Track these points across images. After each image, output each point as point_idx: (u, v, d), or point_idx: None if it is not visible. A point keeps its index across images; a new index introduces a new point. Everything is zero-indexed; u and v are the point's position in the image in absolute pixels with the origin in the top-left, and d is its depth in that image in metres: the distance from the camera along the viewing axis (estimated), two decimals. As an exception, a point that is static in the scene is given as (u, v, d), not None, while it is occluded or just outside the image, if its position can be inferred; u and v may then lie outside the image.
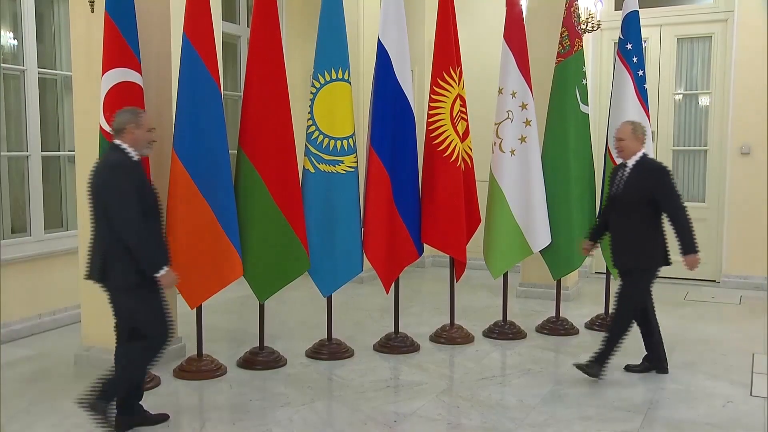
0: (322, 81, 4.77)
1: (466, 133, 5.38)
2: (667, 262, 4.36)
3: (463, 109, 5.28)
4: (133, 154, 3.50)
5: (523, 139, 5.34)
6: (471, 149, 5.45)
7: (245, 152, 4.57)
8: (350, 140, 4.82)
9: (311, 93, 4.78)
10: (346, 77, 4.80)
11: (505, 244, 5.39)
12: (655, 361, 4.58)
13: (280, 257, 4.62)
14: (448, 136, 5.13)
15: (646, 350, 4.60)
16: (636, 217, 4.22)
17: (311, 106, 4.80)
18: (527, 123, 5.35)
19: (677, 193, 4.21)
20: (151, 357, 3.53)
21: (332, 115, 4.74)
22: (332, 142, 4.76)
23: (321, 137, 4.76)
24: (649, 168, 4.26)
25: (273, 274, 4.62)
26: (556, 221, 5.38)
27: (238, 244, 4.47)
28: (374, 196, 4.93)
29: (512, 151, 5.35)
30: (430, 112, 5.18)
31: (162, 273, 3.42)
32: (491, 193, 5.46)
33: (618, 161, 4.50)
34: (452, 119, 5.15)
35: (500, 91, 5.39)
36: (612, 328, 4.37)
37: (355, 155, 4.86)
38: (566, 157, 5.41)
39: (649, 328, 4.54)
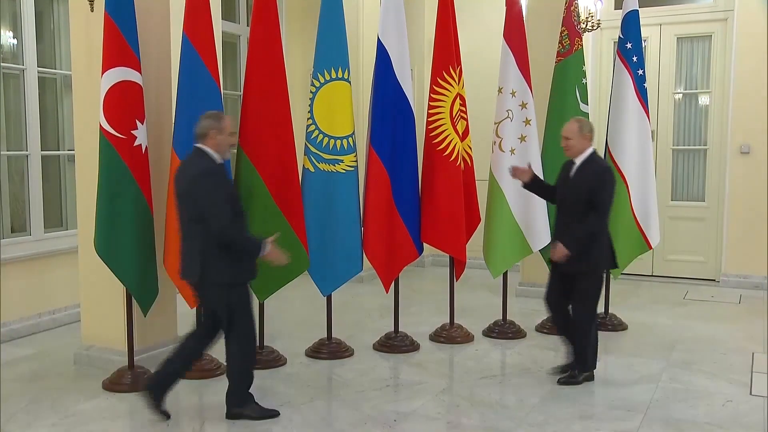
0: (322, 80, 4.77)
1: (466, 132, 5.36)
2: (614, 264, 4.36)
3: (463, 109, 5.26)
4: (216, 158, 3.64)
5: (522, 138, 5.34)
6: (471, 148, 5.42)
7: (245, 151, 4.55)
8: (350, 139, 4.82)
9: (311, 92, 4.78)
10: (345, 76, 4.80)
11: (504, 243, 5.36)
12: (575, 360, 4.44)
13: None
14: (447, 135, 5.11)
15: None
16: (581, 218, 4.16)
17: (311, 106, 4.79)
18: (527, 122, 5.34)
19: (610, 200, 4.18)
20: (251, 344, 3.77)
21: (332, 115, 4.74)
22: (332, 141, 4.76)
23: (321, 136, 4.76)
24: (595, 168, 4.21)
25: (272, 274, 4.53)
26: (556, 220, 5.34)
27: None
28: (374, 196, 4.93)
29: (512, 151, 5.33)
30: (429, 111, 5.16)
31: (266, 251, 3.62)
32: (491, 193, 5.43)
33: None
34: (452, 118, 5.13)
35: (500, 91, 5.38)
36: (579, 338, 4.30)
37: (354, 154, 4.85)
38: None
39: (571, 334, 4.41)
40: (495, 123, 5.40)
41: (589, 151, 4.22)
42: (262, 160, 4.52)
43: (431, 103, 5.17)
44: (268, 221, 4.55)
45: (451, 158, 5.10)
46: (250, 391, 3.86)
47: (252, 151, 4.53)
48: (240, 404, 3.80)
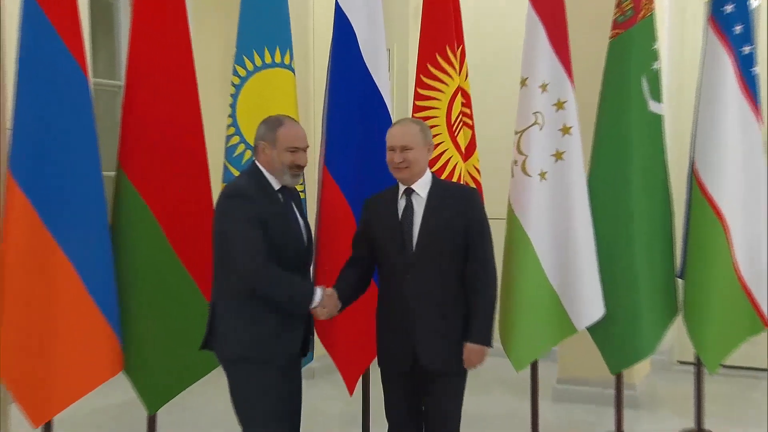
0: (250, 67, 4.82)
1: (472, 146, 5.37)
2: None
3: (467, 111, 5.27)
4: (273, 181, 4.07)
5: (559, 156, 5.25)
6: (479, 171, 5.41)
7: (128, 174, 4.56)
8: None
9: (233, 86, 4.83)
10: (287, 62, 4.85)
11: (532, 318, 5.27)
12: None
13: (181, 339, 4.56)
14: (443, 151, 5.12)
15: None
16: (448, 277, 4.13)
17: (233, 106, 4.82)
18: (565, 131, 5.25)
19: (491, 238, 4.21)
20: None
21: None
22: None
23: (249, 152, 4.76)
24: (459, 193, 4.25)
25: (171, 369, 4.62)
26: (612, 281, 5.35)
27: (115, 320, 4.45)
28: (329, 240, 4.93)
29: (542, 175, 5.25)
30: (416, 115, 5.15)
31: (316, 303, 3.99)
32: (511, 239, 5.34)
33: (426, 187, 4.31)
34: (450, 125, 5.14)
35: (523, 83, 5.32)
36: None
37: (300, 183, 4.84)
38: (627, 182, 5.40)
39: None
40: (516, 132, 5.31)
41: (429, 173, 4.27)
42: (156, 188, 4.54)
43: (419, 103, 5.17)
44: (163, 282, 4.56)
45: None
46: None
47: (139, 174, 4.54)
48: None
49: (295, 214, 4.17)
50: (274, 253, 3.89)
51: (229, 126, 4.85)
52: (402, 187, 4.18)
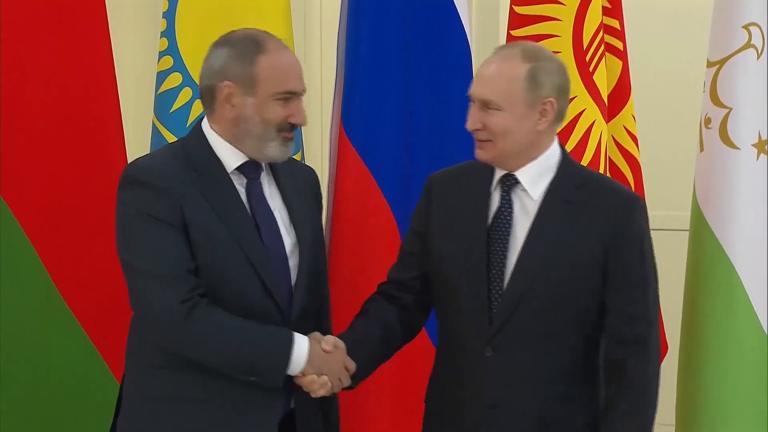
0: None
1: (624, 90, 4.27)
2: None
3: (614, 23, 4.17)
4: (230, 154, 2.98)
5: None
6: (635, 139, 4.27)
7: (6, 201, 3.94)
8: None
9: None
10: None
11: (740, 403, 3.92)
12: None
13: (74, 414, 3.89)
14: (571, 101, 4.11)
15: None
16: (563, 363, 2.93)
17: (169, 15, 3.86)
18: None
19: (657, 292, 3.03)
20: None
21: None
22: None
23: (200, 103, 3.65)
24: (606, 198, 2.98)
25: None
26: None
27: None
28: (347, 256, 4.11)
29: (761, 145, 4.04)
30: (513, 32, 4.11)
31: (299, 364, 2.83)
32: (696, 265, 4.12)
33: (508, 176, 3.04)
34: (581, 55, 4.08)
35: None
36: None
37: (299, 154, 4.10)
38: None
39: None
40: (710, 65, 4.04)
41: (555, 148, 3.00)
42: (36, 205, 3.85)
43: (518, 9, 4.10)
44: (52, 343, 3.90)
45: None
46: None
47: (20, 200, 3.88)
48: None
49: (269, 216, 2.96)
50: (212, 287, 2.82)
51: (161, 55, 3.85)
52: (498, 172, 2.92)
